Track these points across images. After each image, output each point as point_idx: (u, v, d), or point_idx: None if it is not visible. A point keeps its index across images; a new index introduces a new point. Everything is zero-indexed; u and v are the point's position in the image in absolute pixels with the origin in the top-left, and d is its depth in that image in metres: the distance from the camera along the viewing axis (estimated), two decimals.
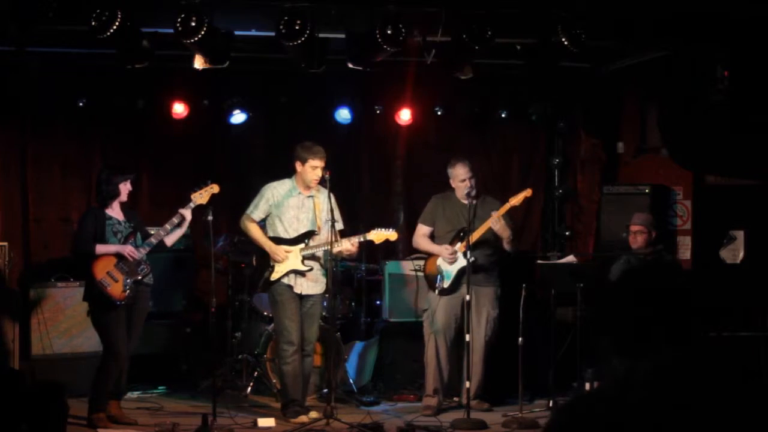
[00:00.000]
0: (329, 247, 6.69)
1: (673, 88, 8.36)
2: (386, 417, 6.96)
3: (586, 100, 9.03)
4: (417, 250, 7.65)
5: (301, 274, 6.83)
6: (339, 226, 6.91)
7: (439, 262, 7.30)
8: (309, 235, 6.88)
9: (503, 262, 7.41)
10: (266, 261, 6.88)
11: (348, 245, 6.80)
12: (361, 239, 6.87)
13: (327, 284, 6.89)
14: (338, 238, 6.79)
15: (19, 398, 4.84)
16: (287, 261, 6.82)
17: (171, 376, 8.05)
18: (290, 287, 6.83)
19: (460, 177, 7.24)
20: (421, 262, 7.64)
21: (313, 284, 6.88)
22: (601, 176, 9.03)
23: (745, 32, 6.97)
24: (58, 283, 7.73)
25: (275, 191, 6.92)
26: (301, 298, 6.87)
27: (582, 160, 9.15)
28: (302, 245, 6.86)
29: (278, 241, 6.87)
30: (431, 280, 7.37)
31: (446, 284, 7.24)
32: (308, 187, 6.89)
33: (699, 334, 2.10)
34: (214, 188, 6.74)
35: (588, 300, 7.11)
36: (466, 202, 7.18)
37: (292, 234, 6.88)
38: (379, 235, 6.89)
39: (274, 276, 6.83)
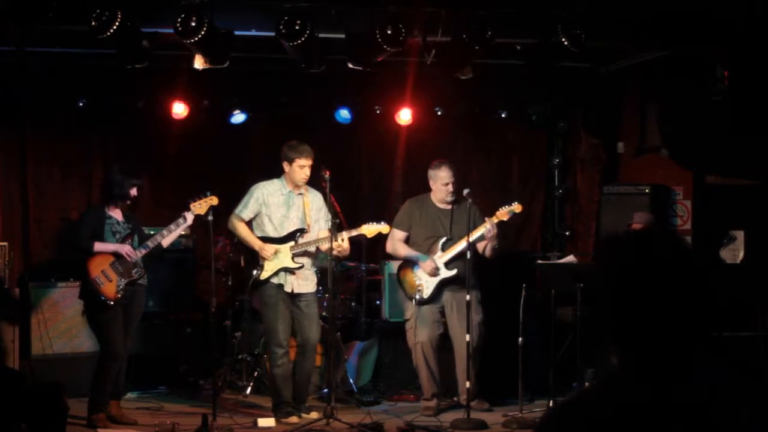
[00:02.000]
0: (321, 245, 6.72)
1: (673, 88, 8.35)
2: (386, 417, 6.95)
3: (586, 100, 9.03)
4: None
5: (291, 272, 6.81)
6: (328, 224, 6.90)
7: (417, 269, 7.22)
8: (299, 232, 6.86)
9: (482, 266, 7.27)
10: (255, 260, 6.85)
11: (338, 242, 6.70)
12: (353, 234, 6.85)
13: (323, 283, 6.86)
14: (335, 236, 6.78)
15: (19, 398, 4.84)
16: (276, 259, 6.80)
17: (171, 376, 8.05)
18: (280, 286, 6.81)
19: (443, 180, 7.17)
20: None
21: (303, 282, 6.86)
22: (601, 176, 9.03)
23: (745, 32, 6.97)
24: (58, 283, 7.72)
25: (265, 190, 6.90)
26: (293, 296, 6.84)
27: (582, 160, 9.15)
28: (292, 243, 6.84)
29: (267, 240, 6.85)
30: (407, 287, 7.23)
31: (426, 294, 7.15)
32: (297, 186, 6.88)
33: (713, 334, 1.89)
34: (213, 200, 6.74)
35: (588, 299, 7.10)
36: (442, 206, 7.16)
37: (282, 233, 6.86)
38: (370, 229, 6.88)
39: (264, 275, 6.80)
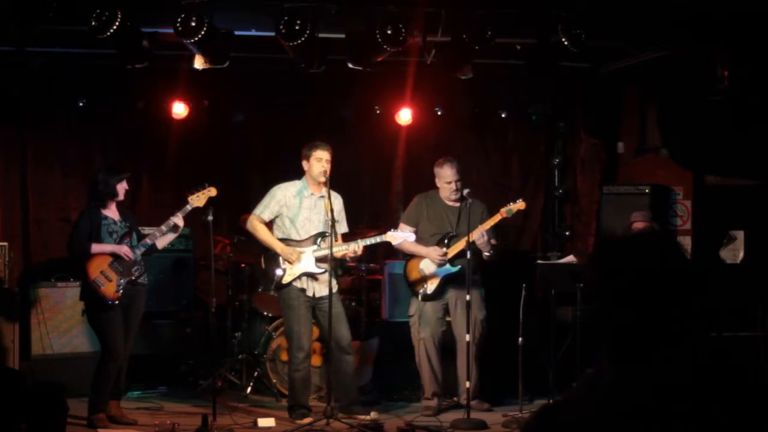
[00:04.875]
0: (339, 248, 6.68)
1: (673, 88, 8.36)
2: (386, 417, 6.95)
3: (586, 100, 9.03)
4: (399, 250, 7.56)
5: (314, 276, 6.75)
6: (343, 229, 6.89)
7: (423, 265, 7.23)
8: (321, 236, 6.79)
9: (487, 264, 7.32)
10: (275, 262, 6.79)
11: (355, 248, 6.71)
12: (379, 240, 6.84)
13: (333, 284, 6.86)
14: (338, 239, 6.78)
15: (19, 398, 4.84)
16: (299, 263, 6.74)
17: (171, 376, 8.05)
18: (303, 291, 6.75)
19: (446, 178, 7.18)
20: None
21: (324, 286, 6.72)
22: (601, 176, 9.03)
23: (745, 32, 6.97)
24: (58, 283, 7.72)
25: (287, 192, 6.82)
26: (315, 299, 6.78)
27: (582, 160, 9.15)
28: (315, 247, 6.78)
29: (288, 242, 6.79)
30: (413, 282, 7.27)
31: (429, 290, 7.18)
32: (319, 187, 6.80)
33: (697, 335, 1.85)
34: (212, 191, 6.73)
35: (587, 300, 7.09)
36: (450, 203, 7.17)
37: (304, 235, 6.79)
38: (396, 237, 6.87)
39: (287, 279, 6.73)
